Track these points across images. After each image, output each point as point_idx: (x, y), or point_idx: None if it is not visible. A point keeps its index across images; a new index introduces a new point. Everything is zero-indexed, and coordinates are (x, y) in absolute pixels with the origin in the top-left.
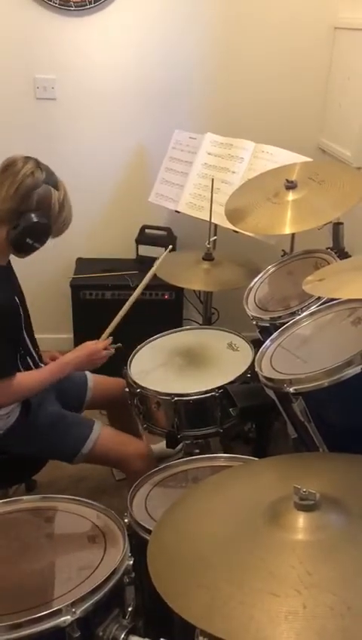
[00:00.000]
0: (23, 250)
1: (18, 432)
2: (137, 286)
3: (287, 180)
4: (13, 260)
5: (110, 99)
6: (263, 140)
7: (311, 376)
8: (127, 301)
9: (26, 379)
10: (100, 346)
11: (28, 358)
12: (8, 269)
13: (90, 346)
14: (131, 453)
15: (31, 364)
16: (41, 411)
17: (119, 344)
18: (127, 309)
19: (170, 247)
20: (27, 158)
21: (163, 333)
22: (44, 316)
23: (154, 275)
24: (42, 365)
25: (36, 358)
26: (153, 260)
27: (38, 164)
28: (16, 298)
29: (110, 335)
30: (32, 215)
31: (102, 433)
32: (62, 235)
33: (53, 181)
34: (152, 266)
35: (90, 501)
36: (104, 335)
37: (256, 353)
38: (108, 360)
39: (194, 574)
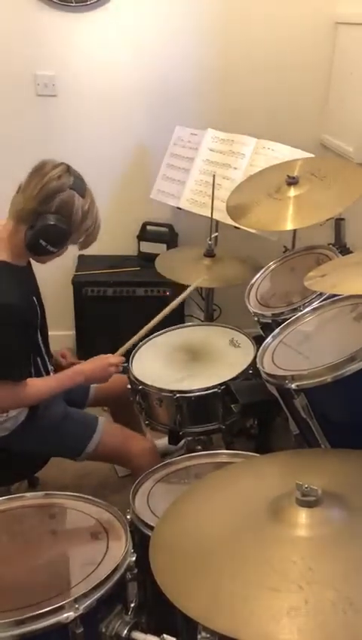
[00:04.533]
0: (37, 252)
1: (25, 431)
2: (138, 283)
3: (289, 176)
4: None
5: (111, 95)
6: (265, 135)
7: (313, 372)
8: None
9: (35, 386)
10: (113, 360)
11: (38, 358)
12: (28, 269)
13: (103, 359)
14: (135, 450)
15: (40, 364)
16: (48, 411)
17: (126, 364)
18: (149, 329)
19: (203, 278)
20: (59, 163)
21: (164, 330)
22: (46, 313)
23: (156, 272)
24: (51, 367)
25: (46, 359)
26: (155, 256)
27: (69, 170)
28: (34, 299)
29: (125, 352)
30: (49, 217)
31: (106, 431)
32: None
33: (80, 188)
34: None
35: (92, 498)
36: (120, 351)
37: (257, 349)
38: None
39: (197, 570)
